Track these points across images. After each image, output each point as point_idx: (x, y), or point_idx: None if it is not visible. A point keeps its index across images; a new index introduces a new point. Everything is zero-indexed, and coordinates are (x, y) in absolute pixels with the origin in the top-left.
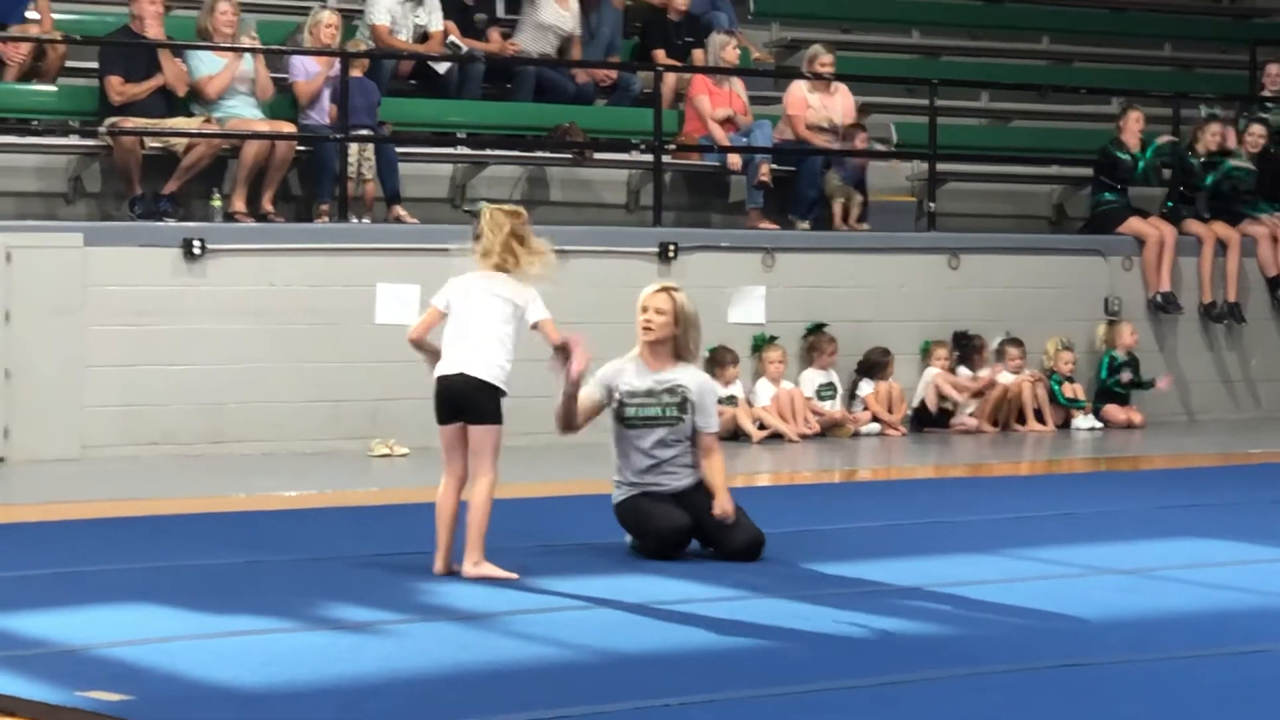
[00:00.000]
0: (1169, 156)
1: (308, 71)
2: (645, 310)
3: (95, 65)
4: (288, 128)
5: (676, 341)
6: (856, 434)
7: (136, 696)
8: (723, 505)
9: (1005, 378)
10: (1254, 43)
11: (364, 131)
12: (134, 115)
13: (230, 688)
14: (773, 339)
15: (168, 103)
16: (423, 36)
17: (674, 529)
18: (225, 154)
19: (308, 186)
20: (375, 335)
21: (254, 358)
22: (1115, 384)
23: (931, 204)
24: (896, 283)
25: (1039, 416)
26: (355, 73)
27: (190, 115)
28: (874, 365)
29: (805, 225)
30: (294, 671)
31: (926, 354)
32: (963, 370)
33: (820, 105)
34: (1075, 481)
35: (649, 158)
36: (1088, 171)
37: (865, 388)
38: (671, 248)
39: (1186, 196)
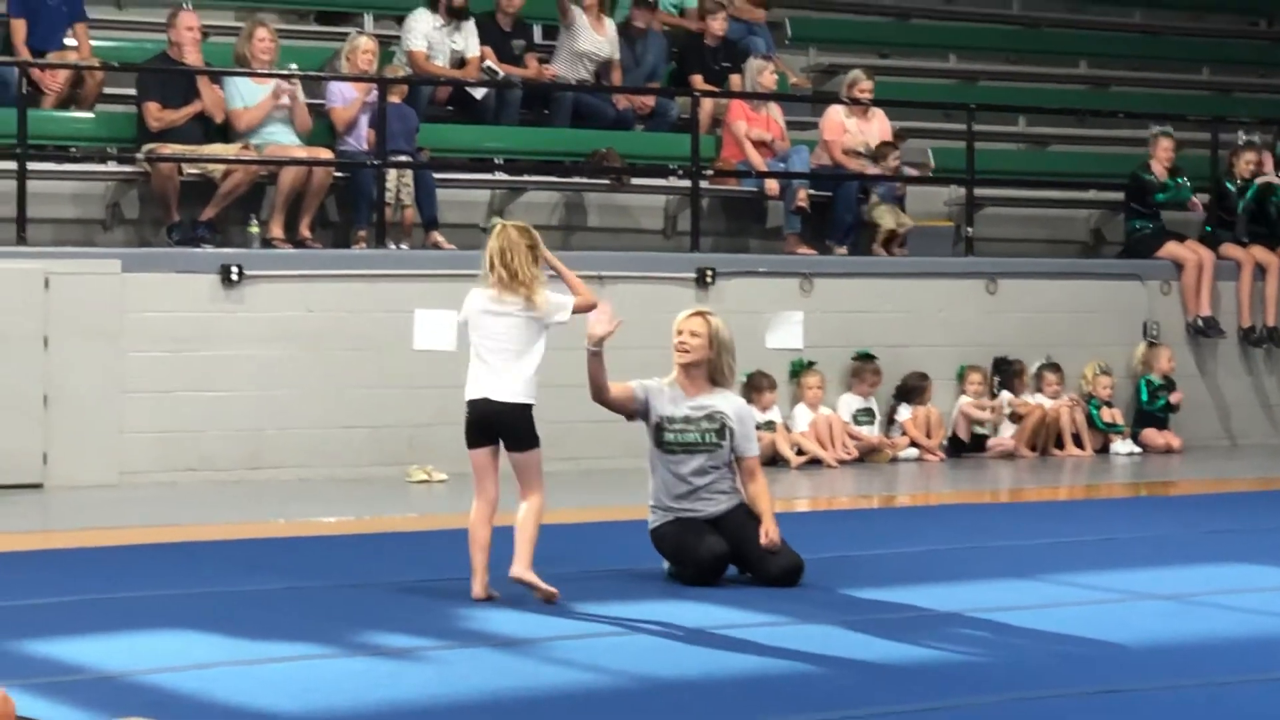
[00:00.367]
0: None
1: (345, 97)
2: (680, 333)
3: (133, 92)
4: (325, 154)
5: (711, 366)
6: (894, 459)
7: None
8: (770, 535)
9: (1040, 400)
10: None
11: (401, 157)
12: (172, 142)
13: (269, 714)
14: (810, 364)
15: (205, 129)
16: (460, 62)
17: (713, 556)
18: (263, 180)
19: (345, 212)
20: (413, 361)
21: (292, 384)
22: (1155, 407)
23: (969, 229)
24: (934, 307)
25: (1077, 441)
26: (394, 99)
27: (228, 142)
28: (912, 390)
29: (843, 250)
30: (333, 698)
31: (962, 379)
32: (1005, 395)
33: (857, 130)
34: (1114, 506)
35: (686, 183)
36: (1125, 196)
37: (903, 413)
38: (709, 273)
39: (1225, 220)
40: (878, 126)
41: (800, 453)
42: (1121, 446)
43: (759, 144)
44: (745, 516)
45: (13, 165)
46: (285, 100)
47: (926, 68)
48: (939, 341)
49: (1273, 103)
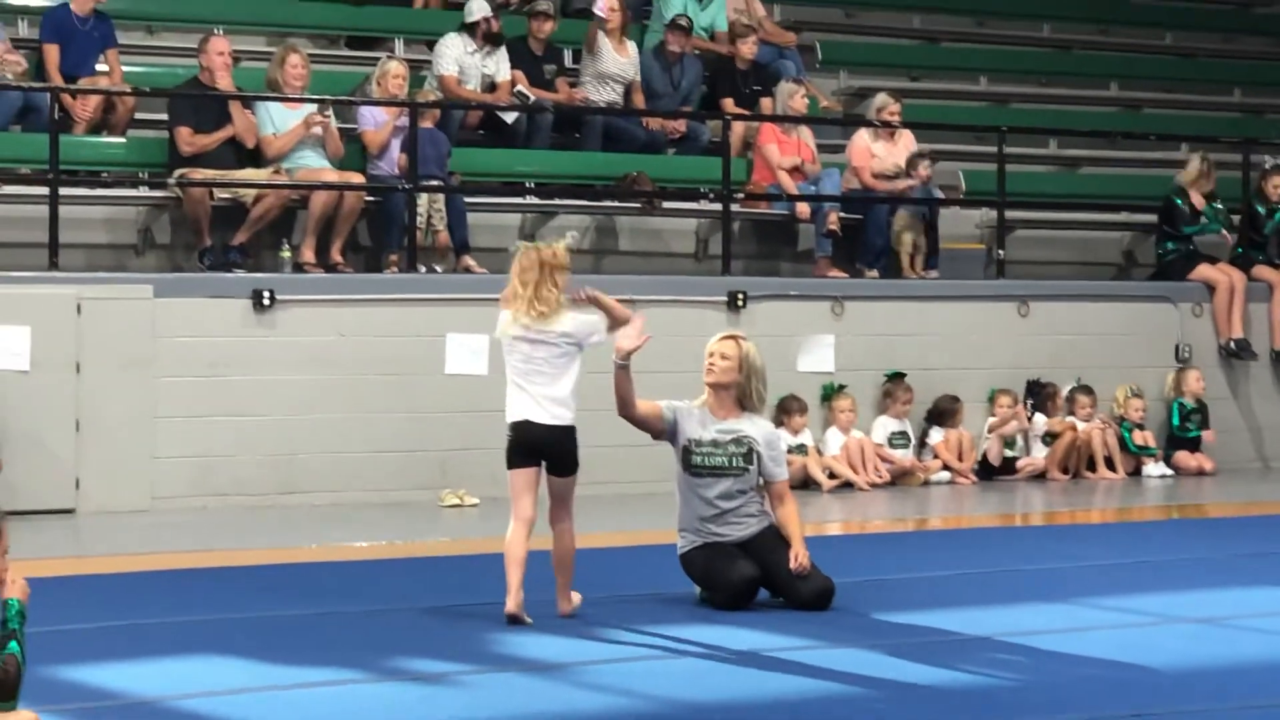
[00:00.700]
0: None
1: (376, 121)
2: (711, 355)
3: (164, 117)
4: (356, 178)
5: (740, 390)
6: (926, 482)
7: None
8: (800, 559)
9: (1072, 423)
10: None
11: (433, 182)
12: (203, 166)
13: None
14: (842, 388)
15: (237, 154)
16: (491, 86)
17: (744, 580)
18: (294, 204)
19: (377, 237)
20: (445, 385)
21: (324, 408)
22: (1186, 434)
23: (1000, 251)
24: (966, 330)
25: (1109, 464)
26: (426, 123)
27: (259, 166)
28: (943, 413)
29: (874, 274)
30: None
31: (992, 402)
32: (1038, 418)
33: (885, 154)
34: (1146, 529)
35: (718, 207)
36: (1156, 219)
37: (935, 436)
38: (740, 296)
39: (1256, 242)
40: (905, 149)
41: (832, 476)
42: (1154, 469)
43: (791, 168)
44: (775, 539)
45: (45, 191)
46: (318, 130)
47: (957, 90)
48: (970, 364)
49: None
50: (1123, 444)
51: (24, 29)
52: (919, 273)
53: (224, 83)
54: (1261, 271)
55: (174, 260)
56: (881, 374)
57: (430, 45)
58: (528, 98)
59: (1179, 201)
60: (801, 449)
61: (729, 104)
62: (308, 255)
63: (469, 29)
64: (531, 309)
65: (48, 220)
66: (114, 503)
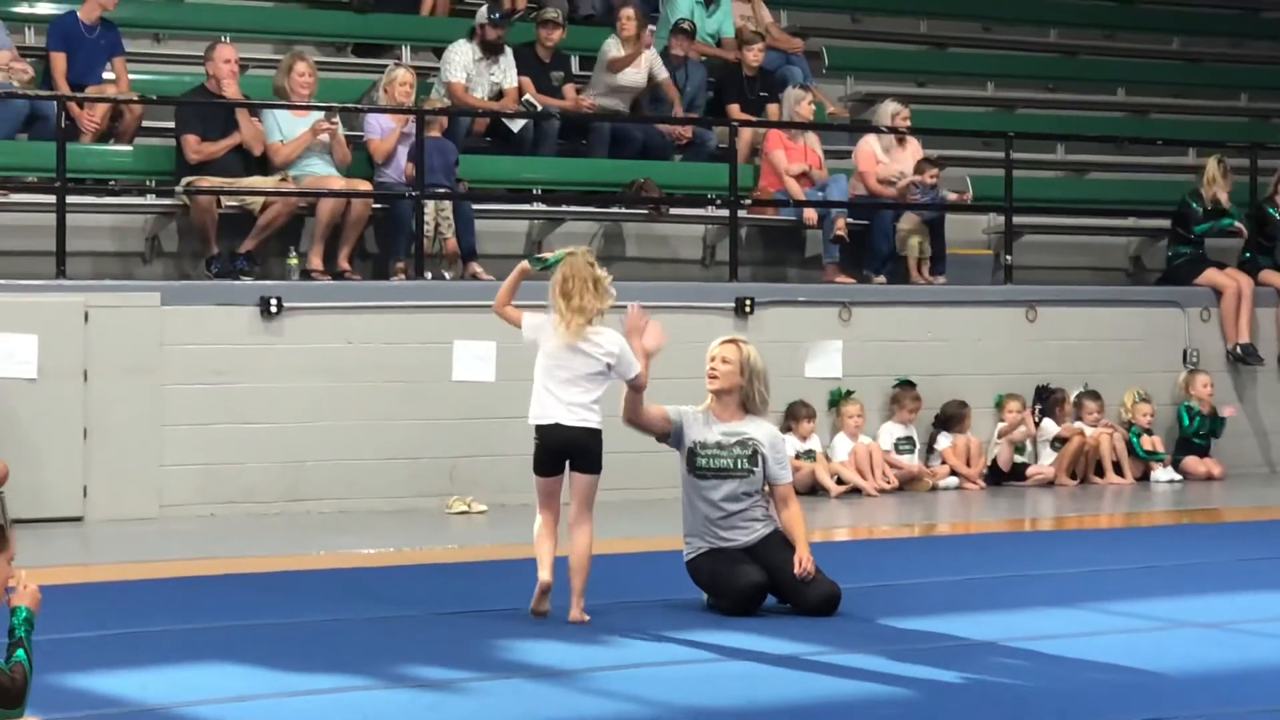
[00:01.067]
0: None
1: (382, 128)
2: (712, 360)
3: (171, 125)
4: (364, 185)
5: (743, 393)
6: (934, 488)
7: None
8: (804, 563)
9: (1080, 428)
10: None
11: (444, 188)
12: (210, 174)
13: None
14: (850, 393)
15: (244, 161)
16: (498, 94)
17: (751, 586)
18: (301, 212)
19: (384, 244)
20: (453, 393)
21: (331, 416)
22: (1197, 431)
23: (1008, 256)
24: (974, 336)
25: (1117, 469)
26: (434, 133)
27: (266, 174)
28: (951, 418)
29: (881, 279)
30: None
31: (1000, 408)
32: (1047, 423)
33: (893, 160)
34: (1155, 534)
35: (725, 213)
36: (1165, 223)
37: (943, 441)
38: (748, 302)
39: (1264, 247)
40: (911, 156)
41: (840, 482)
42: (1162, 474)
43: (798, 174)
44: (781, 544)
45: (52, 199)
46: (324, 138)
47: (964, 96)
48: (978, 370)
49: None
50: (1131, 449)
51: (31, 37)
52: (926, 278)
53: (231, 90)
54: (1269, 276)
55: (181, 268)
56: (889, 380)
57: (437, 53)
58: (535, 105)
59: (1194, 204)
60: (809, 455)
61: (735, 110)
62: (315, 263)
63: (472, 35)
64: (578, 317)
65: (55, 228)
66: (121, 510)
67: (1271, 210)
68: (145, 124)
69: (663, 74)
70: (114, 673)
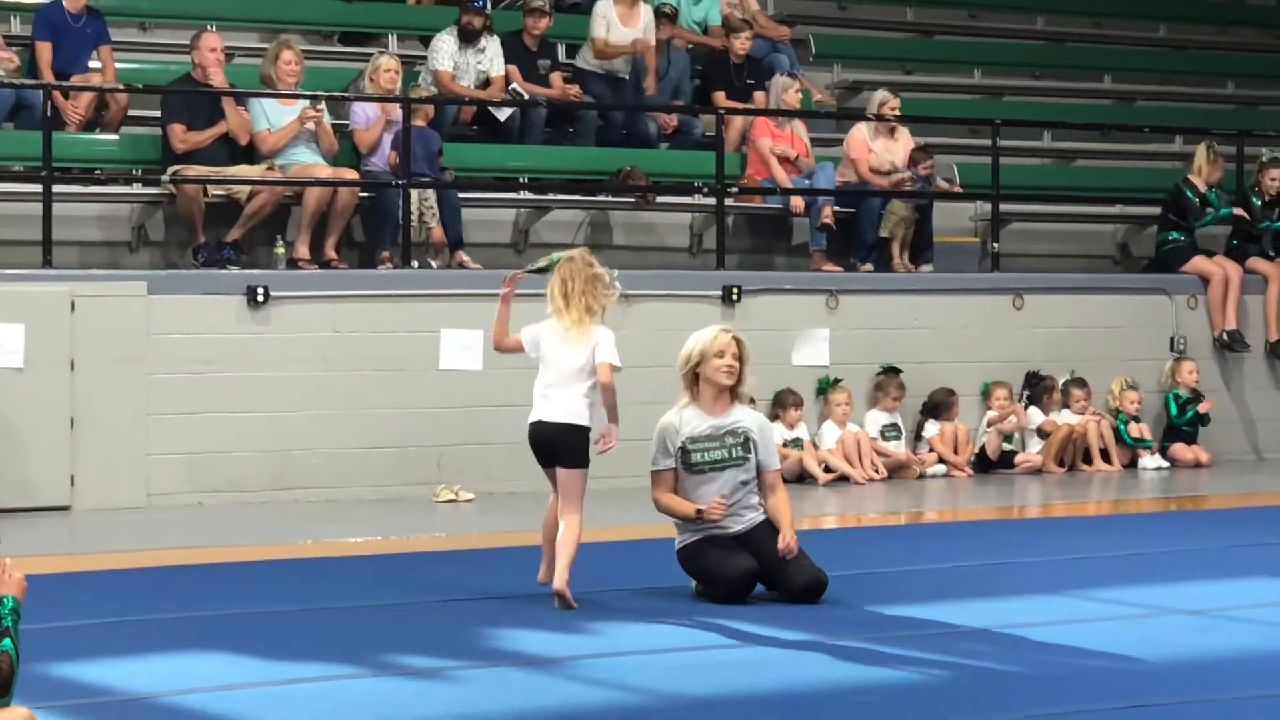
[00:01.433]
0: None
1: (367, 118)
2: (722, 355)
3: (157, 114)
4: (350, 174)
5: (737, 385)
6: (922, 475)
7: None
8: (786, 540)
9: (1067, 416)
10: None
11: (426, 177)
12: (197, 163)
13: None
14: (837, 381)
15: (230, 150)
16: (484, 82)
17: (742, 574)
18: (288, 201)
19: (371, 233)
20: (440, 381)
21: (318, 405)
22: (1184, 420)
23: (995, 244)
24: (961, 323)
25: (1105, 456)
26: (419, 122)
27: (253, 163)
28: (939, 406)
29: (868, 267)
30: (361, 718)
31: (986, 395)
32: (1033, 411)
33: (882, 149)
34: (1142, 521)
35: (711, 201)
36: (1152, 210)
37: (930, 429)
38: (735, 291)
39: (1251, 235)
40: (903, 145)
41: (828, 470)
42: (1149, 461)
43: (784, 161)
44: (769, 532)
45: (38, 188)
46: (311, 126)
47: (951, 84)
48: (965, 357)
49: None
50: (1118, 436)
51: (16, 26)
52: (906, 265)
53: (217, 79)
54: (1256, 264)
55: (168, 257)
56: (877, 367)
57: (424, 41)
58: (521, 94)
59: (1189, 193)
60: (797, 443)
61: (722, 98)
62: (302, 251)
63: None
64: (578, 315)
65: (41, 218)
66: (108, 499)
67: (1254, 198)
68: (131, 113)
69: (653, 40)
70: (101, 661)
